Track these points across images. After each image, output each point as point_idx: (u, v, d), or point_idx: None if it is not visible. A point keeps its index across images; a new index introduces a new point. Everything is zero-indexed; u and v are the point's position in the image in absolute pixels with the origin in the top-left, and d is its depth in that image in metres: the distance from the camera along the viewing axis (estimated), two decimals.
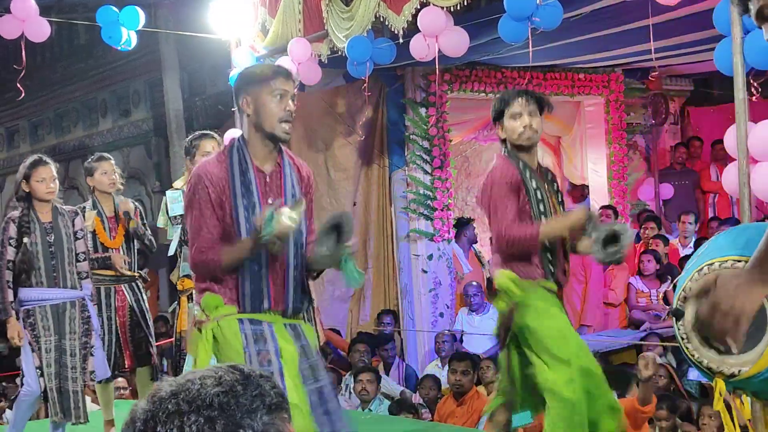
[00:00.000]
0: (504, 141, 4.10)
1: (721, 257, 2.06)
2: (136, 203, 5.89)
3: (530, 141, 4.01)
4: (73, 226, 5.16)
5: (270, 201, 3.36)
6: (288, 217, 3.18)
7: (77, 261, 5.15)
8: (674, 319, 2.14)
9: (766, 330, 2.00)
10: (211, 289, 3.37)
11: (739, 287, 1.90)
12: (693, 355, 2.10)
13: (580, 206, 4.10)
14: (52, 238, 5.05)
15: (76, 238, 5.15)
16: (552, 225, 3.93)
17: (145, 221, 5.79)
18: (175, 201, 4.99)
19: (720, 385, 2.16)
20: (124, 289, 5.61)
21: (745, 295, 1.90)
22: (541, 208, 3.97)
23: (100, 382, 5.59)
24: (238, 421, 1.27)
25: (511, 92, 4.12)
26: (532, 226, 3.91)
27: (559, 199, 4.12)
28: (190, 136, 5.26)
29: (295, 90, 3.43)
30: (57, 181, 5.12)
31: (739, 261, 2.03)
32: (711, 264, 2.06)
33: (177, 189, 5.10)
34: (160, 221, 5.40)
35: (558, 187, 4.19)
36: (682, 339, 2.12)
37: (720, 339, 1.99)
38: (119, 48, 7.62)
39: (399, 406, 6.42)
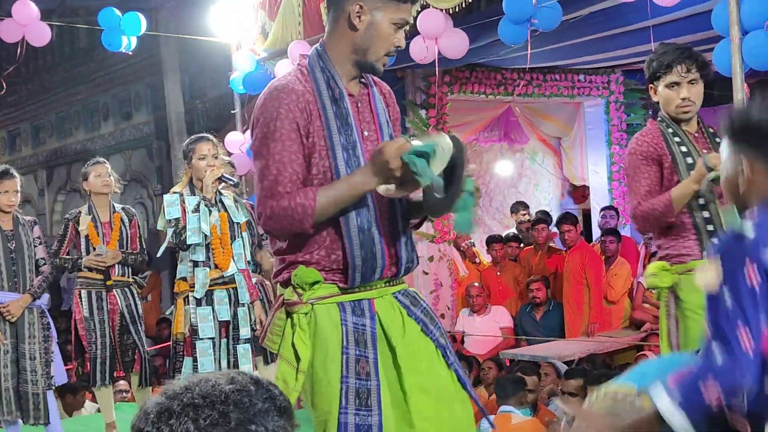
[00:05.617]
0: (657, 103, 3.67)
1: (616, 386, 2.25)
2: (134, 211, 5.92)
3: (687, 115, 3.56)
4: (33, 234, 5.28)
5: (366, 134, 2.62)
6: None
7: (37, 266, 5.26)
8: None
9: None
10: (307, 261, 2.57)
11: None
12: None
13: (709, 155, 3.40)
14: (14, 245, 5.15)
15: (35, 246, 5.27)
16: (679, 186, 3.41)
17: (141, 229, 5.82)
18: (171, 204, 4.99)
19: None
20: (115, 293, 5.60)
21: None
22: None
23: (95, 385, 5.60)
24: (251, 417, 1.27)
25: (671, 54, 3.53)
26: (664, 193, 3.43)
27: None
28: (187, 140, 5.28)
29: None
30: (19, 194, 5.23)
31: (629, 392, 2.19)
32: (602, 390, 2.24)
33: (175, 192, 5.11)
34: (160, 224, 5.41)
35: None
36: None
37: None
38: (120, 51, 7.64)
39: None
